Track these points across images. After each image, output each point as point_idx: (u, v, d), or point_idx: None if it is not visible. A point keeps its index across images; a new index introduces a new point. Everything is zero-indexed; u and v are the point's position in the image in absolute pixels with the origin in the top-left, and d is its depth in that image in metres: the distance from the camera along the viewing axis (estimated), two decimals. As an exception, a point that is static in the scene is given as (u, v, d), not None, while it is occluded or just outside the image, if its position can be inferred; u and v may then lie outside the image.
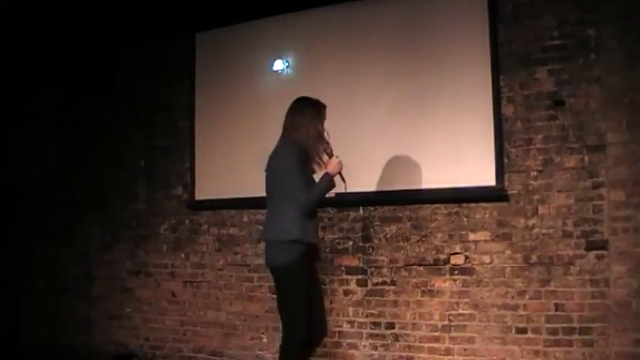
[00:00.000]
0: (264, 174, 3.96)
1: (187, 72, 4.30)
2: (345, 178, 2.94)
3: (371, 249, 3.61)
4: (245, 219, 4.06)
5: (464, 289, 3.33)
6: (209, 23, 4.25)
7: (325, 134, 2.93)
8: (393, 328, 3.51)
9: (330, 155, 2.90)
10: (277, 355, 3.80)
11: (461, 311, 3.33)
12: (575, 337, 3.06)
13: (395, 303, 3.51)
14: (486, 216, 3.32)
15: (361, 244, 3.64)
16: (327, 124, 3.73)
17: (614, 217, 3.04)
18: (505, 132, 3.28)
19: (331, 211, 3.75)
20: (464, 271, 3.34)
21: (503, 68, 3.30)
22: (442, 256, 3.41)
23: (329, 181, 2.87)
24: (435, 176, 3.42)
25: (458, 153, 3.37)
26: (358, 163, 3.63)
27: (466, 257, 3.34)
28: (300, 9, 3.91)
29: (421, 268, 3.46)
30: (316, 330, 2.92)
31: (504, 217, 3.28)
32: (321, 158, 2.92)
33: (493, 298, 3.25)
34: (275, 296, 3.87)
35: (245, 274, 4.01)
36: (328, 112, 3.74)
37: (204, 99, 4.25)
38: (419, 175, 3.47)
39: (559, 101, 3.19)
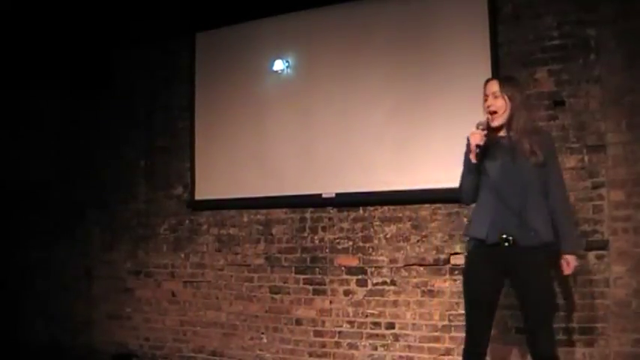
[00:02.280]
0: (263, 174, 4.00)
1: (187, 72, 4.30)
2: (478, 153, 2.55)
3: (371, 249, 3.61)
4: (245, 219, 4.06)
5: (464, 289, 3.33)
6: (209, 23, 4.25)
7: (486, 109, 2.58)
8: (393, 328, 3.51)
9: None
10: (277, 356, 3.83)
11: (461, 311, 3.32)
12: (575, 337, 3.06)
13: (395, 303, 3.51)
14: (486, 216, 3.32)
15: (361, 244, 3.65)
16: (327, 122, 3.78)
17: (614, 217, 3.04)
18: (505, 132, 3.28)
19: (331, 211, 3.75)
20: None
21: (503, 68, 3.30)
22: (442, 256, 3.41)
23: (465, 161, 2.61)
24: (435, 176, 3.42)
25: (458, 153, 3.35)
26: (359, 163, 3.65)
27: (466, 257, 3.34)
28: (300, 9, 3.91)
29: (421, 268, 3.46)
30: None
31: (504, 217, 3.27)
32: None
33: (493, 298, 3.24)
34: (276, 297, 3.90)
35: (245, 274, 4.01)
36: (328, 111, 3.79)
37: (204, 99, 4.25)
38: (419, 175, 3.47)
39: (559, 101, 3.19)
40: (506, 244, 2.46)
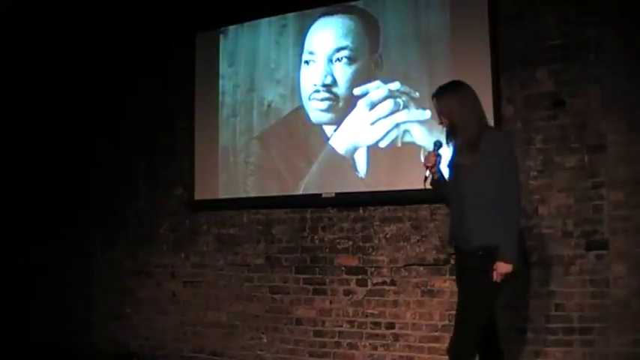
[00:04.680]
0: (263, 174, 4.00)
1: (187, 72, 4.30)
2: (428, 176, 2.65)
3: (371, 249, 3.61)
4: (245, 219, 4.06)
5: (464, 289, 3.33)
6: (209, 23, 4.25)
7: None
8: (393, 328, 3.51)
9: None
10: (277, 355, 3.84)
11: (461, 311, 3.33)
12: (575, 337, 3.06)
13: (395, 303, 3.51)
14: (486, 216, 3.32)
15: (361, 244, 3.64)
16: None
17: (614, 217, 3.04)
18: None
19: (331, 211, 3.75)
20: (464, 271, 3.34)
21: (503, 68, 3.30)
22: (442, 256, 3.41)
23: None
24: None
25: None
26: (358, 163, 3.65)
27: (466, 257, 3.34)
28: (300, 9, 3.91)
29: (421, 268, 3.46)
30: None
31: (504, 217, 3.27)
32: None
33: (493, 298, 3.25)
34: (276, 297, 3.90)
35: (245, 274, 4.01)
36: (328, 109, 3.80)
37: (204, 99, 4.25)
38: (419, 175, 3.46)
39: (559, 101, 3.18)
40: (449, 246, 2.56)
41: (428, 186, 2.67)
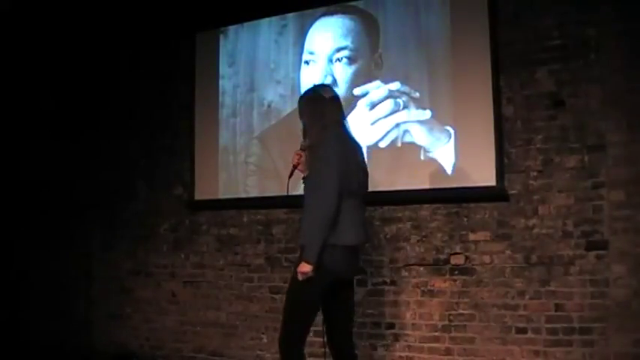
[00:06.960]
0: (263, 174, 3.99)
1: (187, 72, 4.31)
2: (293, 173, 2.72)
3: (371, 249, 3.61)
4: (245, 219, 4.06)
5: (464, 289, 3.33)
6: (209, 23, 4.25)
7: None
8: (393, 328, 3.50)
9: None
10: (277, 356, 3.83)
11: (461, 311, 3.33)
12: (575, 337, 3.06)
13: (395, 303, 3.51)
14: (486, 216, 3.32)
15: (361, 244, 3.64)
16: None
17: (614, 217, 3.04)
18: (505, 132, 3.28)
19: (331, 211, 3.75)
20: (464, 271, 3.34)
21: (503, 68, 3.30)
22: (442, 256, 3.41)
23: None
24: (435, 176, 3.42)
25: (458, 153, 3.37)
26: (358, 163, 3.65)
27: (466, 257, 3.34)
28: (300, 9, 3.92)
29: (421, 268, 3.46)
30: None
31: (504, 217, 3.28)
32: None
33: (493, 299, 3.25)
34: (276, 297, 3.89)
35: (245, 274, 4.01)
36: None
37: (204, 99, 4.25)
38: (419, 175, 3.47)
39: (559, 101, 3.19)
40: None
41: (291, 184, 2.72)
